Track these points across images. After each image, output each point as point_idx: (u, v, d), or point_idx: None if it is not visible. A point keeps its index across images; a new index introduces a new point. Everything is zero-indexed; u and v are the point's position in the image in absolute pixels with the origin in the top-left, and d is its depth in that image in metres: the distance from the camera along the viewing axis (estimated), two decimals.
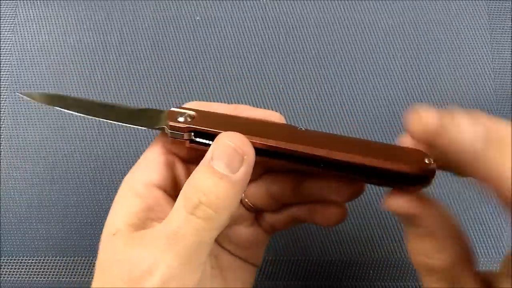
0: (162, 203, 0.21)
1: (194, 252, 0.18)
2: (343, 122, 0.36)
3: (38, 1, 0.38)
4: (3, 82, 0.37)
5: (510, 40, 0.38)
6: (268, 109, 0.36)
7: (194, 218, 0.17)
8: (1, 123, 0.36)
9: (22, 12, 0.38)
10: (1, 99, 0.36)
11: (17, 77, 0.37)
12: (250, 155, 0.18)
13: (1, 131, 0.36)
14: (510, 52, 0.38)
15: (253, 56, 0.37)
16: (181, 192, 0.18)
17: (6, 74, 0.37)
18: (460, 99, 0.37)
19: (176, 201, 0.18)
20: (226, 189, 0.18)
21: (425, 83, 0.37)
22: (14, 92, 0.36)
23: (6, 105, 0.36)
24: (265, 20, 0.38)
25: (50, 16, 0.38)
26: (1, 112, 0.36)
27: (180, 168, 0.22)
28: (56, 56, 0.37)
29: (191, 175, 0.18)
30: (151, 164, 0.21)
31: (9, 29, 0.38)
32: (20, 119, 0.36)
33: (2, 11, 0.38)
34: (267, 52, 0.38)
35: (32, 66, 0.37)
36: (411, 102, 0.37)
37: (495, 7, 0.39)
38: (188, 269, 0.18)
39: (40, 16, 0.38)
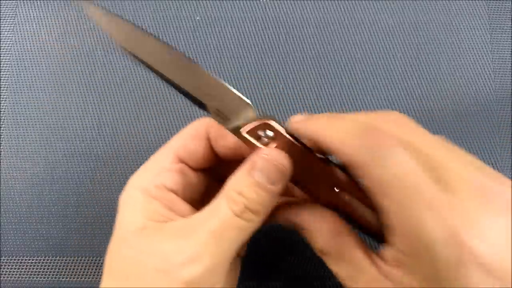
0: (177, 203, 0.22)
1: (233, 248, 0.20)
2: None
3: (38, 1, 0.38)
4: (3, 82, 0.37)
5: (510, 40, 0.38)
6: (268, 109, 0.36)
7: (240, 220, 0.20)
8: (1, 123, 0.36)
9: (22, 12, 0.38)
10: (1, 99, 0.36)
11: (17, 77, 0.37)
12: (288, 172, 0.21)
13: (1, 131, 0.36)
14: (510, 52, 0.38)
15: (253, 56, 0.37)
16: (224, 194, 0.20)
17: (6, 74, 0.37)
18: (460, 99, 0.37)
19: (217, 201, 0.20)
20: (266, 199, 0.20)
21: (425, 83, 0.37)
22: (14, 92, 0.36)
23: (6, 105, 0.36)
24: (265, 20, 0.38)
25: (50, 16, 0.38)
26: (1, 112, 0.36)
27: (190, 175, 0.23)
28: (56, 56, 0.37)
29: (233, 180, 0.21)
30: (164, 169, 0.22)
31: (9, 29, 0.38)
32: (20, 119, 0.36)
33: (2, 11, 0.38)
34: (267, 52, 0.38)
35: (32, 66, 0.37)
36: (411, 102, 0.37)
37: (495, 7, 0.39)
38: (224, 264, 0.20)
39: (40, 16, 0.38)
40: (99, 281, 0.33)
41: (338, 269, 0.20)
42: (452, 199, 0.16)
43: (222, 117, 0.22)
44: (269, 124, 0.22)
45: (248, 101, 0.22)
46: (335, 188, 0.22)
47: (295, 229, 0.22)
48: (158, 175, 0.22)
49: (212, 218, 0.20)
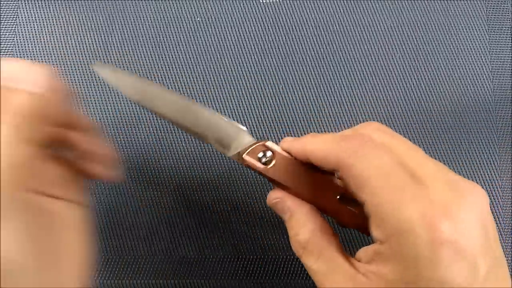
0: None
1: (18, 167, 0.18)
2: (342, 122, 0.37)
3: (40, 2, 0.39)
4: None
5: (508, 41, 0.39)
6: (268, 109, 0.37)
7: (15, 132, 0.18)
8: None
9: (24, 13, 0.38)
10: None
11: None
12: (45, 80, 0.20)
13: None
14: (508, 53, 0.38)
15: (253, 57, 0.38)
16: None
17: None
18: (458, 100, 0.37)
19: None
20: (34, 103, 0.19)
21: (423, 83, 0.38)
22: None
23: None
24: (265, 21, 0.39)
25: (52, 17, 0.38)
26: None
27: None
28: (57, 57, 0.37)
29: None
30: None
31: (10, 30, 0.38)
32: None
33: (3, 12, 0.38)
34: (267, 52, 0.38)
35: None
36: (409, 102, 0.37)
37: (493, 8, 0.39)
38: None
39: (42, 17, 0.38)
40: (99, 278, 0.33)
41: (316, 264, 0.21)
42: (425, 190, 0.19)
43: (222, 146, 0.24)
44: (266, 145, 0.24)
45: (244, 127, 0.24)
46: (337, 197, 0.23)
47: (282, 215, 0.24)
48: None
49: None
